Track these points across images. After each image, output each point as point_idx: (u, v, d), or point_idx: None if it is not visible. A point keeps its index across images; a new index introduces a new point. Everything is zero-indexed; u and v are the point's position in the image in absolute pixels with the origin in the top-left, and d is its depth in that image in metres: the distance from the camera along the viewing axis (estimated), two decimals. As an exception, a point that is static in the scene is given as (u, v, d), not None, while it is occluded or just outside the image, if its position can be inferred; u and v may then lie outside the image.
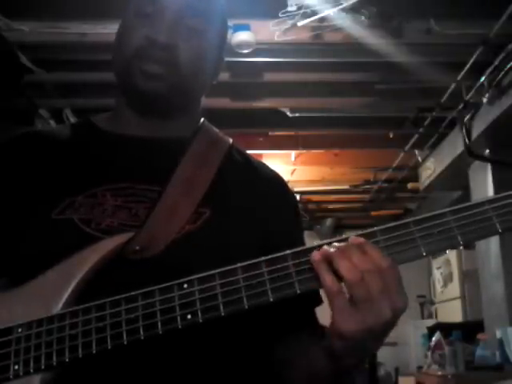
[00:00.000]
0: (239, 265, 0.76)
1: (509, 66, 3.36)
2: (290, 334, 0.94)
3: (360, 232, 0.76)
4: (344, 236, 0.76)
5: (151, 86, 0.92)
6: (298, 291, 0.74)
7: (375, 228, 0.76)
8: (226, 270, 0.75)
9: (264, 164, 1.08)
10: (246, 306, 0.74)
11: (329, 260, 0.73)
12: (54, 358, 0.75)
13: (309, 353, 0.87)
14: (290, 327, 0.94)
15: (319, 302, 0.96)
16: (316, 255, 0.74)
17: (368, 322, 0.71)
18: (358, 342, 0.73)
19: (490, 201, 0.75)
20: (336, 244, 0.75)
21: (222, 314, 0.74)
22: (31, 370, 0.75)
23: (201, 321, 0.74)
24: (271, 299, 0.74)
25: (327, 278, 0.72)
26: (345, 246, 0.74)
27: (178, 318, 0.74)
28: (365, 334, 0.72)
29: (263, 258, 0.76)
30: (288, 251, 0.76)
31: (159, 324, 0.74)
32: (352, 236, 0.75)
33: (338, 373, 0.82)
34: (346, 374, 0.83)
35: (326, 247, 0.75)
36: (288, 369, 0.92)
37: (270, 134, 4.81)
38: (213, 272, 0.75)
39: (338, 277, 0.73)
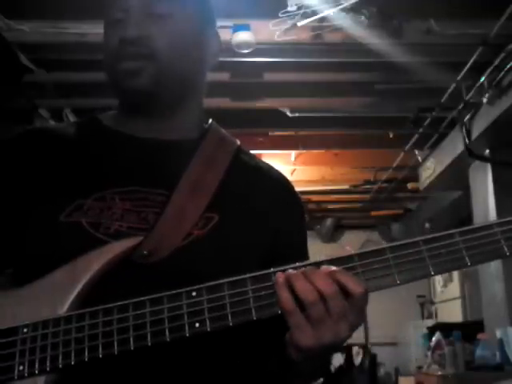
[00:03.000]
0: (248, 275, 0.76)
1: (509, 66, 3.36)
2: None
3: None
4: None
5: (133, 83, 0.91)
6: None
7: (385, 245, 0.77)
8: (235, 280, 0.76)
9: (271, 166, 1.07)
10: (255, 317, 0.74)
11: (289, 281, 0.74)
12: (60, 361, 0.75)
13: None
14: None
15: None
16: (279, 277, 0.75)
17: (325, 339, 0.74)
18: (314, 354, 0.76)
19: (499, 223, 0.75)
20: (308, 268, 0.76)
21: (231, 324, 0.74)
22: (36, 372, 0.75)
23: (209, 330, 0.74)
24: (279, 311, 0.74)
25: (284, 296, 0.74)
26: (311, 270, 0.75)
27: (186, 326, 0.74)
28: (321, 348, 0.74)
29: (272, 270, 0.76)
30: (297, 263, 0.76)
31: (167, 331, 0.74)
32: (323, 266, 0.75)
33: (294, 376, 0.86)
34: (300, 378, 0.88)
35: (290, 270, 0.76)
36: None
37: (270, 134, 4.81)
38: (222, 281, 0.75)
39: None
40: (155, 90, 0.92)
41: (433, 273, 0.75)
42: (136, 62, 0.90)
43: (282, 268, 0.76)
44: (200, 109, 1.03)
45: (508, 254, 0.74)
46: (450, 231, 0.76)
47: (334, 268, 0.74)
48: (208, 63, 1.01)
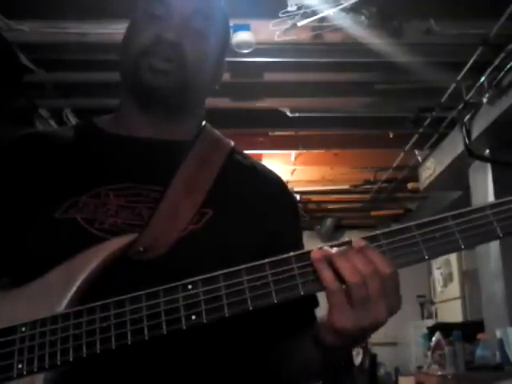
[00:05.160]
0: (243, 266, 0.76)
1: (509, 66, 3.36)
2: (290, 335, 0.94)
3: (362, 236, 0.77)
4: (346, 239, 0.76)
5: (158, 82, 0.93)
6: (302, 293, 0.75)
7: (377, 231, 0.77)
8: (230, 271, 0.76)
9: (264, 166, 1.09)
10: (251, 308, 0.74)
11: (330, 260, 0.74)
12: (58, 358, 0.75)
13: (301, 346, 0.89)
14: (291, 328, 0.94)
15: (317, 304, 0.98)
16: (316, 253, 0.75)
17: (363, 322, 0.73)
18: (349, 338, 0.76)
19: (491, 206, 0.76)
20: (337, 247, 0.76)
21: (227, 315, 0.74)
22: (35, 369, 0.75)
23: (205, 321, 0.74)
24: (275, 301, 0.74)
25: (327, 275, 0.74)
26: (346, 248, 0.75)
27: (183, 318, 0.74)
28: (358, 332, 0.74)
29: (267, 260, 0.76)
30: (292, 253, 0.77)
31: (164, 324, 0.74)
32: (354, 239, 0.76)
33: (324, 361, 0.86)
34: (330, 363, 0.87)
35: (326, 248, 0.76)
36: (283, 366, 0.94)
37: (270, 134, 4.81)
38: (217, 273, 0.76)
39: (339, 277, 0.74)
40: (171, 92, 0.95)
41: (427, 257, 0.75)
42: (167, 64, 0.94)
43: (274, 259, 0.76)
44: (202, 113, 1.07)
45: (501, 235, 0.75)
46: (443, 215, 0.76)
47: (363, 243, 0.75)
48: (217, 81, 1.08)
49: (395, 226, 0.77)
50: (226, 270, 0.76)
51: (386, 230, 0.77)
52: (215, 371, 0.86)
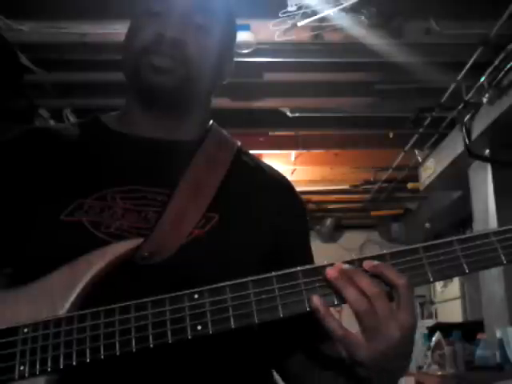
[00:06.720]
0: (250, 278, 0.76)
1: (509, 66, 3.36)
2: (303, 347, 0.94)
3: (369, 255, 0.77)
4: (355, 257, 0.77)
5: (160, 80, 0.92)
6: (308, 309, 0.75)
7: (385, 251, 0.77)
8: (237, 283, 0.76)
9: (271, 167, 1.08)
10: (256, 321, 0.74)
11: (337, 287, 0.74)
12: (61, 361, 0.74)
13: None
14: (302, 339, 0.94)
15: None
16: (331, 272, 0.75)
17: (379, 347, 0.73)
18: (378, 368, 0.75)
19: (496, 232, 0.77)
20: (347, 266, 0.76)
21: (233, 327, 0.74)
22: (37, 372, 0.74)
23: (211, 332, 0.74)
24: (281, 315, 0.74)
25: (353, 294, 0.74)
26: (353, 270, 0.75)
27: (188, 328, 0.74)
28: (380, 359, 0.74)
29: (274, 274, 0.76)
30: (299, 268, 0.77)
31: (169, 333, 0.74)
32: (366, 261, 0.76)
33: None
34: None
35: (333, 271, 0.75)
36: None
37: (270, 133, 4.81)
38: (224, 284, 0.76)
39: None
40: (174, 91, 0.94)
41: (432, 279, 0.76)
42: (169, 61, 0.92)
43: (281, 272, 0.76)
44: (208, 112, 1.06)
45: (505, 262, 0.76)
46: (449, 239, 0.78)
47: (373, 263, 0.75)
48: (223, 77, 1.06)
49: (402, 247, 0.78)
50: (232, 282, 0.76)
51: (394, 250, 0.77)
52: (219, 380, 0.85)
